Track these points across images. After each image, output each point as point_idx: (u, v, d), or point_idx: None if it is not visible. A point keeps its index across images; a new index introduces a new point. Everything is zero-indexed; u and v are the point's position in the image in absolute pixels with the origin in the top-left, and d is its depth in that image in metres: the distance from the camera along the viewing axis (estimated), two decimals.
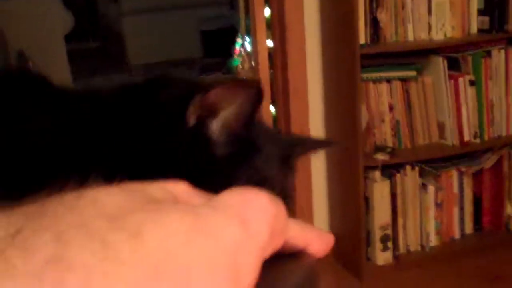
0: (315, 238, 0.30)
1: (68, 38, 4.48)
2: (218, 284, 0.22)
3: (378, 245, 2.57)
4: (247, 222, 0.24)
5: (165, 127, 0.41)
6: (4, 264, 0.20)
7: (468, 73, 2.59)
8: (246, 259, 0.23)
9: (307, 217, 2.65)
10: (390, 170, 2.57)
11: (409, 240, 2.65)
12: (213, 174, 0.41)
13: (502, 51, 2.59)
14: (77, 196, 0.23)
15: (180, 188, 0.26)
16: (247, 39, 2.71)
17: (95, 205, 0.22)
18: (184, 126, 0.41)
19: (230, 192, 0.25)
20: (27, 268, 0.20)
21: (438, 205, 2.66)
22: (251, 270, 0.23)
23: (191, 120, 0.41)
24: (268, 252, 0.25)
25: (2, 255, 0.20)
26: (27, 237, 0.21)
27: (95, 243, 0.21)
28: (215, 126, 0.41)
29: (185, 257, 0.22)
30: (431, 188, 2.63)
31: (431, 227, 2.67)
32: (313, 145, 0.58)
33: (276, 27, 2.52)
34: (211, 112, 0.41)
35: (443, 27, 2.51)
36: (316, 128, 2.64)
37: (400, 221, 2.61)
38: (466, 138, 2.60)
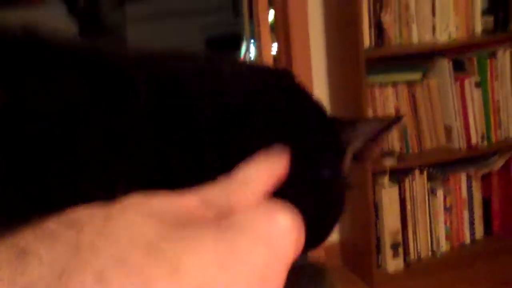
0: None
1: None
2: None
3: (389, 252, 2.53)
4: (273, 242, 0.25)
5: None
6: None
7: (473, 74, 2.56)
8: (273, 277, 0.24)
9: None
10: (398, 175, 2.53)
11: (420, 246, 2.60)
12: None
13: (508, 52, 2.57)
14: (106, 217, 0.23)
15: (191, 203, 0.26)
16: (252, 43, 2.69)
17: (131, 232, 0.23)
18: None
19: (256, 211, 0.26)
20: None
21: (447, 209, 2.63)
22: (278, 286, 0.25)
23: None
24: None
25: None
26: (71, 277, 0.21)
27: (135, 279, 0.21)
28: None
29: (220, 285, 0.23)
30: (439, 192, 2.60)
31: (441, 232, 2.63)
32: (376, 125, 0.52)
33: (280, 31, 2.50)
34: None
35: (447, 28, 2.49)
36: None
37: (410, 226, 2.57)
38: (474, 141, 2.57)
